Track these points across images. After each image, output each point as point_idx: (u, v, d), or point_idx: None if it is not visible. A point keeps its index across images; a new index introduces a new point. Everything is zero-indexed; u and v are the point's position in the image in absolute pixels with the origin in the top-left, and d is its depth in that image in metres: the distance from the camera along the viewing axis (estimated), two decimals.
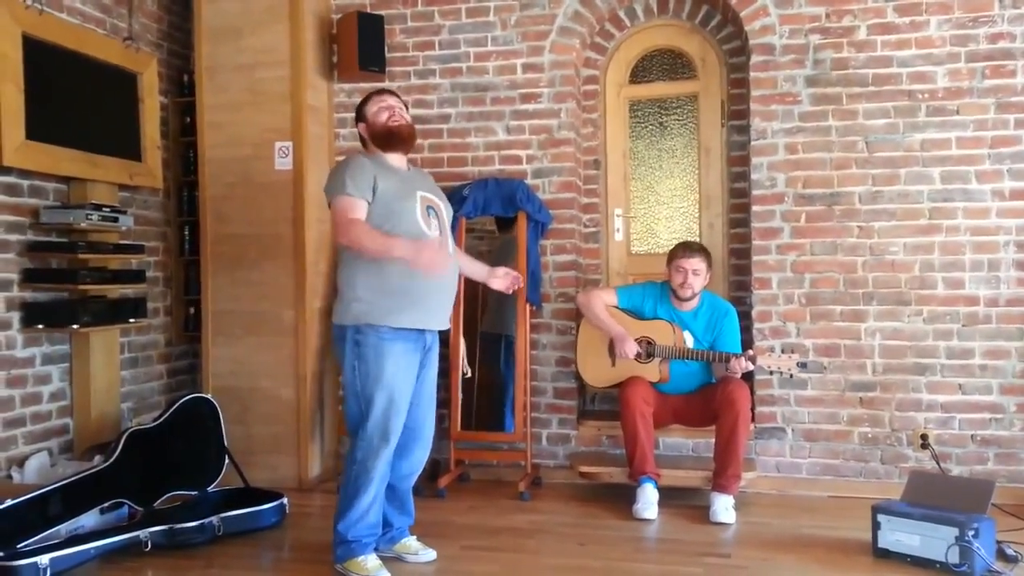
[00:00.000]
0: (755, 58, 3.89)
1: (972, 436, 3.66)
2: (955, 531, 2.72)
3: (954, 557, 2.71)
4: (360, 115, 2.94)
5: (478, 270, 3.17)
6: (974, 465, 3.64)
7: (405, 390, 2.79)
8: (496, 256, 4.26)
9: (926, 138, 3.72)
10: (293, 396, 3.99)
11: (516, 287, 3.17)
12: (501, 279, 3.12)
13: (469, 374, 4.03)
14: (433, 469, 3.98)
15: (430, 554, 2.99)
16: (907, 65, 3.74)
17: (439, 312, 2.86)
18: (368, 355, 2.75)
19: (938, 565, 2.76)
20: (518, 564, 2.98)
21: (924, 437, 3.68)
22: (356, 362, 2.77)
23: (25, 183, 3.48)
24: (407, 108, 3.01)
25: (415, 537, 3.04)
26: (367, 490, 2.78)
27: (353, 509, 2.79)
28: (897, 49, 3.75)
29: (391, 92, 3.00)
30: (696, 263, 3.58)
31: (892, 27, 3.75)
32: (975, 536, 2.69)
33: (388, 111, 2.88)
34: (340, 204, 2.75)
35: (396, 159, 2.91)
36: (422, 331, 2.83)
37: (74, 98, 3.63)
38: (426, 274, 2.66)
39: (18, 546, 2.83)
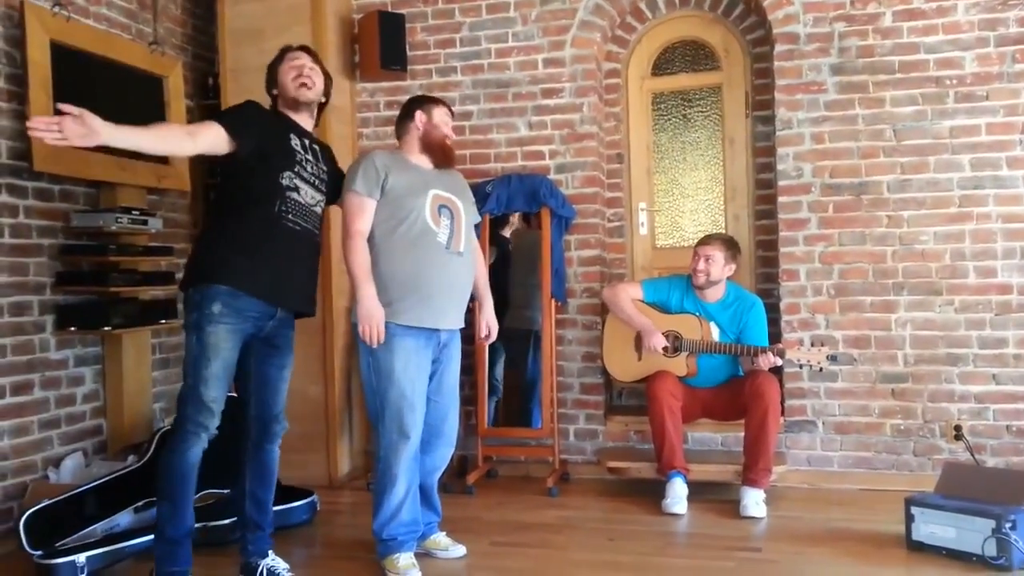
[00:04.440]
0: (779, 47, 3.85)
1: (1007, 427, 3.60)
2: (992, 523, 2.68)
3: (991, 550, 2.67)
4: (414, 112, 2.96)
5: (483, 292, 3.14)
6: (1010, 456, 3.58)
7: (418, 386, 2.81)
8: (519, 251, 4.27)
9: (955, 125, 3.66)
10: (321, 394, 4.02)
11: (485, 340, 3.19)
12: (484, 324, 3.12)
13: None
14: (461, 466, 4.00)
15: (460, 550, 3.01)
16: (934, 51, 3.68)
17: (449, 311, 2.86)
18: (379, 351, 2.78)
19: (975, 558, 2.72)
20: (547, 560, 2.98)
21: (957, 428, 3.63)
22: (370, 358, 2.82)
23: (56, 188, 3.53)
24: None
25: (444, 533, 3.06)
26: (393, 488, 2.79)
27: (383, 508, 2.81)
28: (924, 35, 3.69)
29: (449, 109, 3.05)
30: (709, 250, 3.56)
31: (918, 13, 3.70)
32: (1012, 528, 2.65)
33: (447, 127, 2.96)
34: (349, 201, 2.84)
35: (425, 160, 2.94)
36: (434, 329, 2.84)
37: (102, 103, 3.63)
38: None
39: (56, 545, 2.89)
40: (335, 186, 2.91)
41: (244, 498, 2.80)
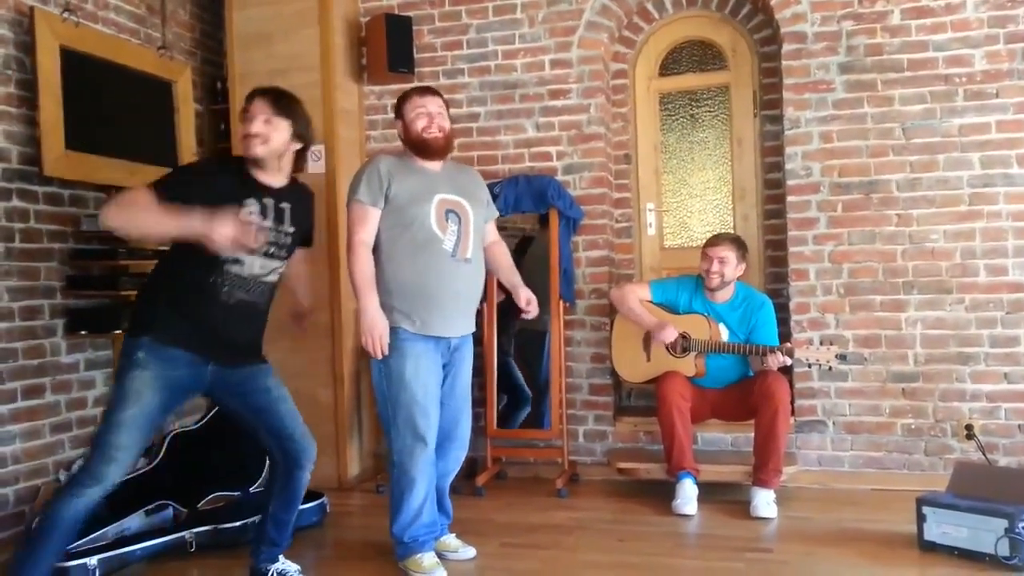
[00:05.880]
0: (787, 46, 3.84)
1: (1019, 426, 3.57)
2: (1004, 523, 2.66)
3: (1004, 549, 2.65)
4: (398, 112, 2.91)
5: (511, 276, 3.07)
6: (1022, 455, 3.56)
7: (430, 390, 2.80)
8: (528, 252, 4.26)
9: (964, 123, 3.64)
10: (331, 397, 4.03)
11: (529, 311, 3.01)
12: (524, 299, 2.98)
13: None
14: (471, 467, 3.99)
15: (470, 551, 3.01)
16: (943, 49, 3.66)
17: (456, 319, 2.85)
18: (389, 356, 2.76)
19: (987, 558, 2.70)
20: (557, 561, 2.97)
21: (969, 427, 3.60)
22: (380, 363, 2.80)
23: (66, 192, 3.55)
24: (447, 109, 2.93)
25: (454, 535, 3.05)
26: (412, 491, 2.79)
27: (403, 512, 2.81)
28: (932, 33, 3.67)
29: (433, 93, 2.90)
30: (721, 251, 3.54)
31: (927, 11, 3.68)
32: None
33: (426, 118, 2.83)
34: (352, 210, 2.82)
35: (433, 161, 2.90)
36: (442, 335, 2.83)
37: (111, 108, 3.69)
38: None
39: (67, 547, 2.89)
40: (310, 236, 2.81)
41: (266, 517, 2.72)
